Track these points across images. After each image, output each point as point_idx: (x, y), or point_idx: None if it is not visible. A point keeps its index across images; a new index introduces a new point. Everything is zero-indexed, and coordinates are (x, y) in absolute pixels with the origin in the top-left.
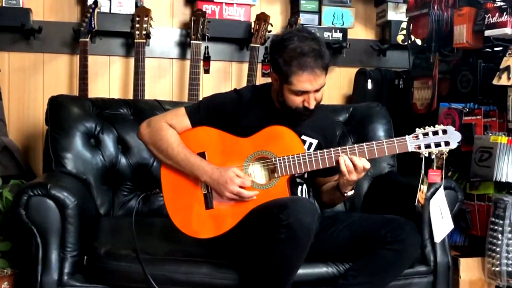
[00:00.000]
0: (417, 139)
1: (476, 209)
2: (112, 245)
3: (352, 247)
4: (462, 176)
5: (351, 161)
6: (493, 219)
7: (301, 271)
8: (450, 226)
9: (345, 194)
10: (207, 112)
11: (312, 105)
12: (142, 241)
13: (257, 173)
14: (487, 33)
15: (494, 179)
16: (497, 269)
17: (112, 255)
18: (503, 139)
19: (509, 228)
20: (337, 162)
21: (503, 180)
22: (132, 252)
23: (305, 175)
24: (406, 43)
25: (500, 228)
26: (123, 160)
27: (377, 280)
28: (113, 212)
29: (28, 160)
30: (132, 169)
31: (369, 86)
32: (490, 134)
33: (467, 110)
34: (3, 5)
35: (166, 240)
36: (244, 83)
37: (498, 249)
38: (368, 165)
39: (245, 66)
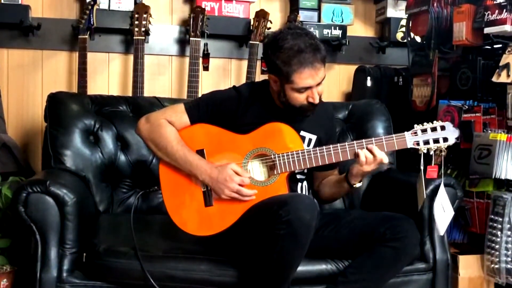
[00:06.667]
0: (415, 135)
1: (475, 206)
2: (111, 242)
3: (352, 245)
4: (461, 174)
5: (371, 152)
6: (492, 216)
7: (300, 268)
8: (451, 214)
9: (354, 185)
10: (206, 109)
11: (316, 100)
12: (141, 238)
13: (256, 170)
14: (487, 30)
15: (493, 177)
16: (496, 266)
17: (111, 252)
18: (502, 136)
19: (508, 225)
20: (356, 154)
21: (502, 177)
22: (131, 249)
23: (305, 170)
24: (405, 40)
25: (499, 226)
26: (122, 157)
27: (376, 277)
28: (112, 209)
29: (27, 157)
30: (131, 166)
31: (369, 83)
32: (490, 131)
33: (467, 107)
34: (2, 1)
35: (165, 237)
36: (243, 80)
37: (497, 246)
38: (386, 160)
39: (244, 63)
